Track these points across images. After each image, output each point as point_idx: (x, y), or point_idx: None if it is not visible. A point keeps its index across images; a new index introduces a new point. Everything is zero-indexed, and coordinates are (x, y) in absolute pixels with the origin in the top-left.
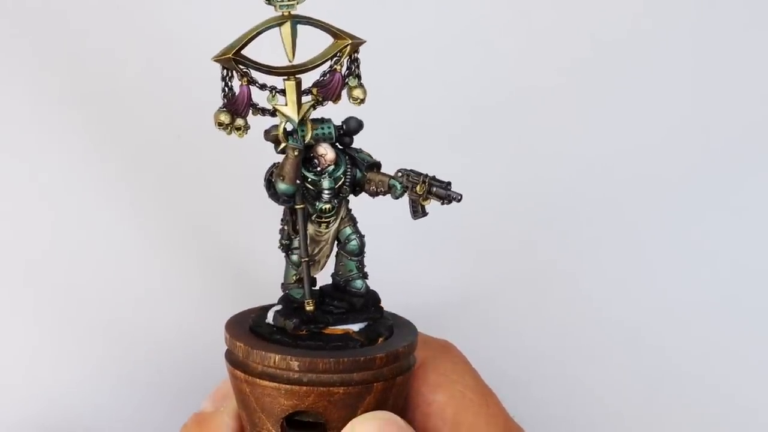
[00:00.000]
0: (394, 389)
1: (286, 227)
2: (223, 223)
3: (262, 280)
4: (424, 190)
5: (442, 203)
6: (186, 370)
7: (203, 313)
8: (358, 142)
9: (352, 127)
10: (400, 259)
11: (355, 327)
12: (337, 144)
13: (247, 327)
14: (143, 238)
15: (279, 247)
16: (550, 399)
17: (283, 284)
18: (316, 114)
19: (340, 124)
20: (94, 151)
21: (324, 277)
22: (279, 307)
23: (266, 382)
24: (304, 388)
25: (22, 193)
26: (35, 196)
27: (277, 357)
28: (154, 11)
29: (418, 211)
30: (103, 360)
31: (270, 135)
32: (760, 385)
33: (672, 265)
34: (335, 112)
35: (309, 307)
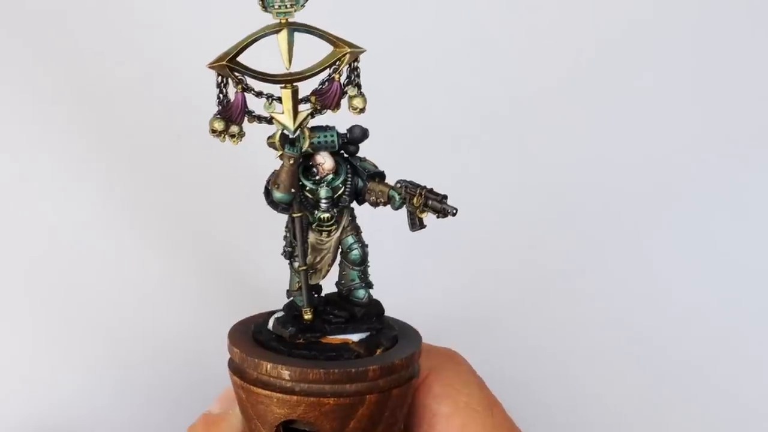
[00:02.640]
0: (390, 401)
1: (288, 234)
2: (224, 226)
3: (263, 284)
4: (420, 203)
5: (438, 216)
6: (185, 373)
7: (203, 315)
8: (364, 149)
9: (356, 135)
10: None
11: (355, 337)
12: (343, 152)
13: (250, 333)
14: (142, 239)
15: (282, 254)
16: (555, 403)
17: (288, 291)
18: (318, 122)
19: (344, 132)
20: (93, 152)
21: (332, 286)
22: (281, 314)
23: (259, 390)
24: (295, 397)
25: (22, 195)
26: (35, 198)
27: (269, 365)
28: (154, 13)
29: (415, 223)
30: (102, 361)
31: (268, 141)
32: (763, 385)
33: (676, 266)
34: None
35: (307, 316)
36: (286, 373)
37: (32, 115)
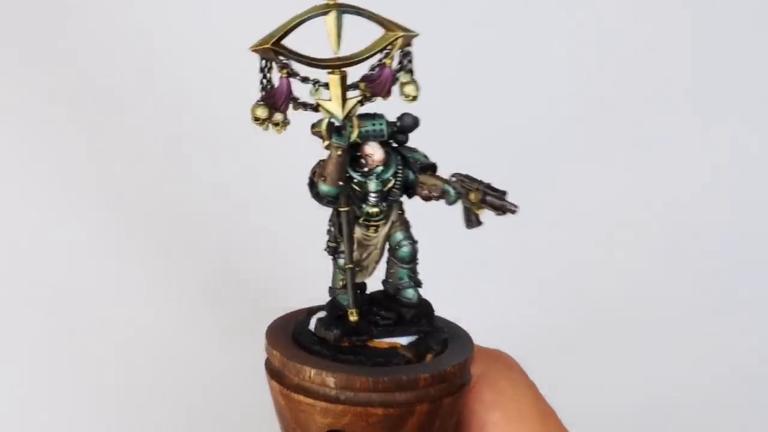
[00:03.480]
0: (441, 411)
1: (332, 229)
2: (222, 234)
3: (263, 287)
4: (478, 198)
5: (497, 214)
6: (187, 378)
7: (201, 320)
8: (414, 140)
9: (407, 124)
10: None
11: (404, 340)
12: (391, 142)
13: (290, 333)
14: (138, 247)
15: (325, 249)
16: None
17: (330, 288)
18: (365, 110)
19: (394, 120)
20: (90, 158)
21: (376, 283)
22: (323, 314)
23: (301, 397)
24: (341, 406)
25: (19, 200)
26: (33, 202)
27: (313, 371)
28: (157, 8)
29: (471, 220)
30: (101, 367)
31: (314, 130)
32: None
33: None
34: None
35: (352, 317)
36: (331, 381)
37: (32, 119)
